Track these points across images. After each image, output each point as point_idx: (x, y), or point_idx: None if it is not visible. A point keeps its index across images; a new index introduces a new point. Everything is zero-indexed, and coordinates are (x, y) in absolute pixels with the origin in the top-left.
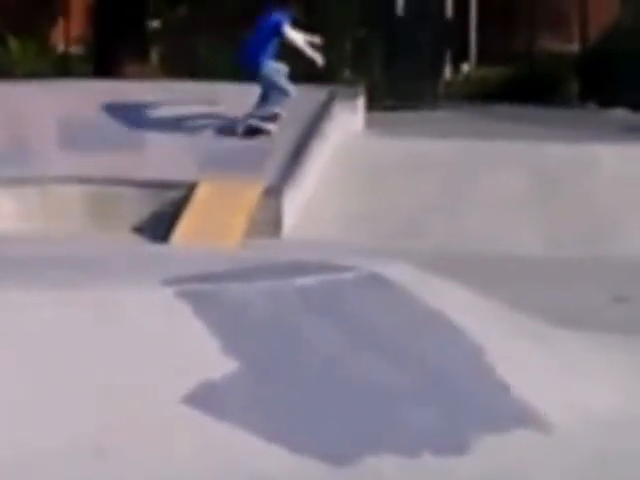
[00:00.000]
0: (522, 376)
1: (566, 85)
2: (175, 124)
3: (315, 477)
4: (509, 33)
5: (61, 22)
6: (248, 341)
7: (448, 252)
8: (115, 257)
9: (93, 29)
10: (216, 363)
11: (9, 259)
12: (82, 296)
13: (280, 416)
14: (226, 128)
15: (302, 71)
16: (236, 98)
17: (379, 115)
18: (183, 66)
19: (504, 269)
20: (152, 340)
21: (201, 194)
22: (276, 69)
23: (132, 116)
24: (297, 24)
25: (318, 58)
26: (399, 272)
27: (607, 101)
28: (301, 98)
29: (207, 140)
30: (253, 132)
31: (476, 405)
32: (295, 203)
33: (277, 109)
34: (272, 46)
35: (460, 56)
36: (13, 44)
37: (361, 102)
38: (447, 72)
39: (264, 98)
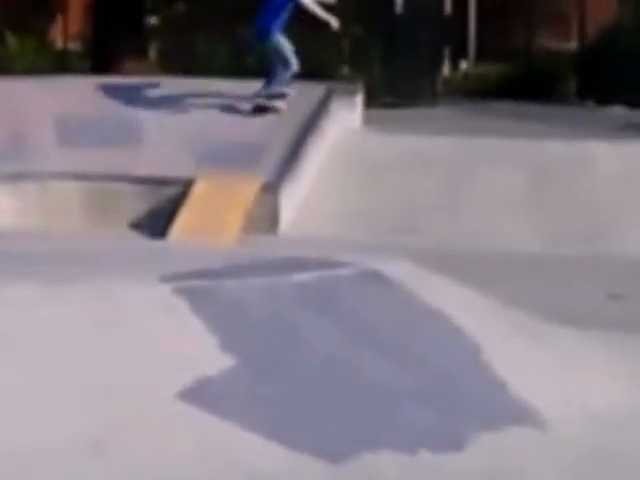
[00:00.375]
0: (520, 374)
1: (564, 83)
2: (173, 120)
3: (314, 475)
4: (507, 31)
5: (59, 18)
6: (246, 338)
7: (446, 249)
8: (113, 253)
9: (91, 26)
10: (214, 360)
11: (6, 255)
12: (79, 292)
13: (278, 414)
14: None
15: (300, 67)
16: (234, 94)
17: (377, 112)
18: (181, 62)
19: (502, 266)
20: (150, 337)
21: (198, 190)
22: (284, 41)
23: (130, 112)
24: None
25: (332, 20)
26: (397, 269)
27: (605, 99)
28: (299, 95)
29: (204, 136)
30: (262, 110)
31: (474, 403)
32: (292, 199)
33: (284, 89)
34: (285, 13)
35: (459, 53)
36: (12, 40)
37: (359, 99)
38: (446, 69)
39: (271, 75)
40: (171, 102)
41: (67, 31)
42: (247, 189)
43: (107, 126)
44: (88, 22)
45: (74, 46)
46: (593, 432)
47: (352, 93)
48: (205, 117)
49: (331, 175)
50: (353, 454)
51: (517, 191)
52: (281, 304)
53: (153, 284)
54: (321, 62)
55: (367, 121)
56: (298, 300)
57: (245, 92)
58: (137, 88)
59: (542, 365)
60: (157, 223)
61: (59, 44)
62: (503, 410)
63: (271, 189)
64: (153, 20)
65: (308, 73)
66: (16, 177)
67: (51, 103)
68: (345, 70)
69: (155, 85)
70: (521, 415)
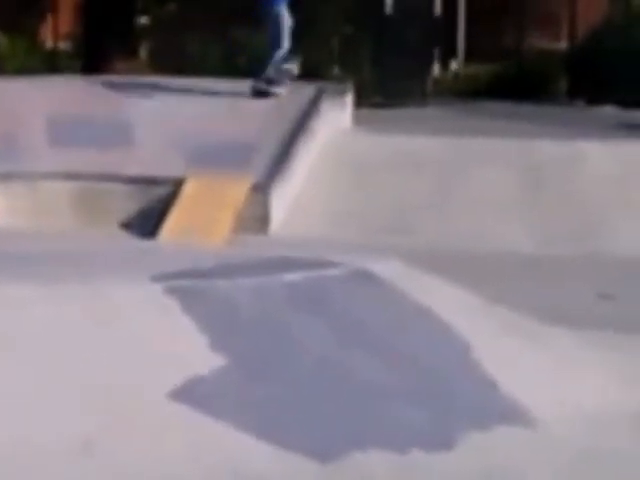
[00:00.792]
0: (512, 373)
1: (555, 82)
2: (163, 120)
3: (305, 474)
4: (498, 31)
5: (50, 18)
6: (237, 338)
7: (438, 249)
8: (103, 253)
9: (82, 25)
10: (205, 360)
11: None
12: (70, 292)
13: (270, 413)
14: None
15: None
16: (225, 94)
17: (367, 112)
18: (172, 62)
19: (494, 266)
20: (141, 337)
21: (188, 190)
22: (286, 15)
23: (120, 112)
24: None
25: None
26: (388, 269)
27: (596, 98)
28: (289, 94)
29: (195, 136)
30: (262, 94)
31: (466, 402)
32: (283, 199)
33: (282, 75)
34: None
35: (449, 53)
36: (2, 40)
37: (349, 99)
38: (436, 69)
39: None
40: (162, 102)
41: (57, 31)
42: (237, 189)
43: (98, 126)
44: (78, 22)
45: (64, 46)
46: (587, 432)
47: (342, 93)
48: (196, 117)
49: (322, 175)
50: (345, 454)
51: (508, 191)
52: (272, 304)
53: (144, 284)
54: (311, 62)
55: (357, 121)
56: (289, 300)
57: (236, 92)
58: (128, 88)
59: (535, 365)
60: (147, 223)
61: (49, 44)
62: (495, 410)
63: (262, 189)
64: (144, 20)
65: (298, 73)
66: (6, 177)
67: (42, 103)
68: (335, 70)
69: (146, 85)
70: (513, 415)
